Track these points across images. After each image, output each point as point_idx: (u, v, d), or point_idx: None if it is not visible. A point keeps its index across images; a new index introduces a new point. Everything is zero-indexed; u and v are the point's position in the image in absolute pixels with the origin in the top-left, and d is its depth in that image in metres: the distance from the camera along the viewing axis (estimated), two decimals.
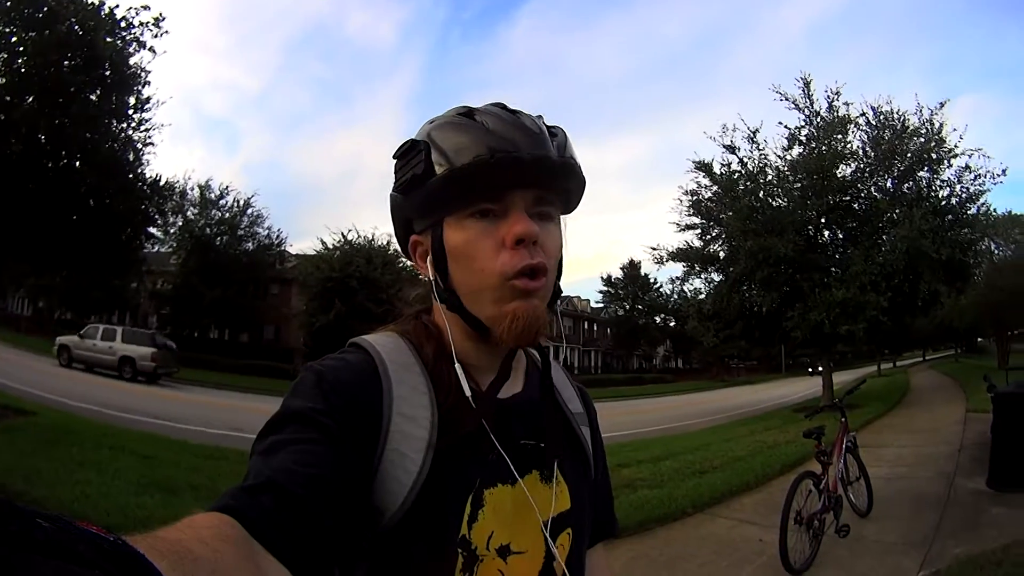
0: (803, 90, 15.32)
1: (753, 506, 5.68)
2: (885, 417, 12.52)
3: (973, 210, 14.48)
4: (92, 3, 8.27)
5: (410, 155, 0.71)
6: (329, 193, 78.89)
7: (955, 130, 14.43)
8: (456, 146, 0.67)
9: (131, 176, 9.26)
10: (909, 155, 14.37)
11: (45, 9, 7.60)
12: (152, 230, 11.43)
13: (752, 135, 15.69)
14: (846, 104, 15.06)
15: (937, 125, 14.25)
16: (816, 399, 15.78)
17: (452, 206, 0.69)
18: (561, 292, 0.77)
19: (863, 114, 15.03)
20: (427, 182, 0.69)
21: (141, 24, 8.80)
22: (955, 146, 14.14)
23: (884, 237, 14.65)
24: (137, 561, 0.28)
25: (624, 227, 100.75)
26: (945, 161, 14.33)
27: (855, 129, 15.10)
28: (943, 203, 14.39)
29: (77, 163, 8.35)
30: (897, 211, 14.31)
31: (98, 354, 16.61)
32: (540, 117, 0.73)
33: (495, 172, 0.66)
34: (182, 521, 0.45)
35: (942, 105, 14.31)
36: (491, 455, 0.69)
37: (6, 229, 7.84)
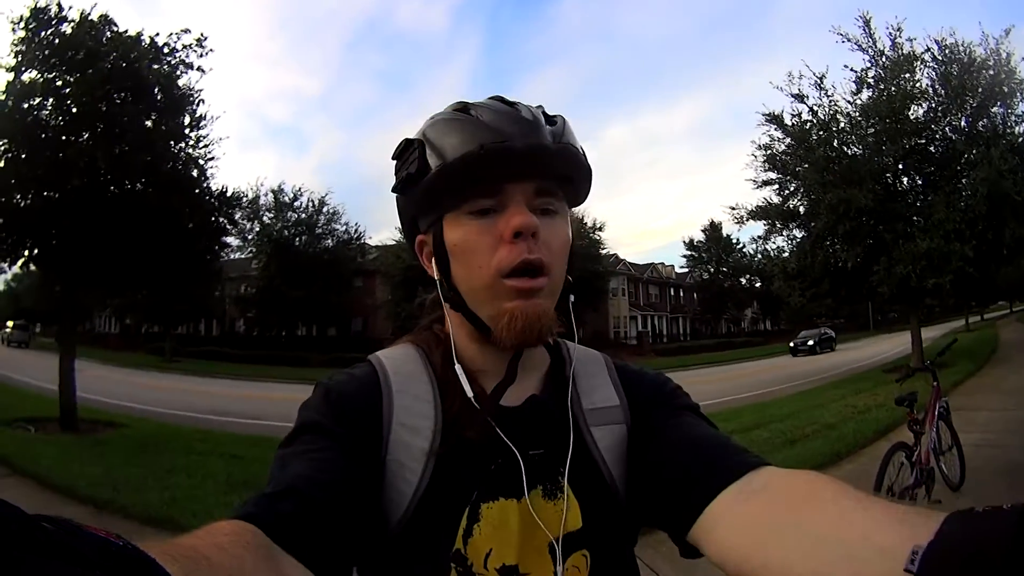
0: (864, 29, 14.43)
1: (844, 478, 5.23)
2: (975, 377, 11.87)
3: None
4: (131, 35, 8.64)
5: (405, 154, 0.71)
6: None
7: None
8: (449, 142, 0.66)
9: (197, 191, 9.63)
10: (980, 90, 13.24)
11: (84, 51, 8.01)
12: (226, 239, 11.79)
13: (819, 81, 14.98)
14: (909, 40, 14.09)
15: (1004, 55, 13.11)
16: (907, 358, 15.10)
17: (448, 203, 0.68)
18: (573, 289, 0.74)
19: (928, 50, 13.99)
20: (422, 180, 0.68)
21: (184, 47, 9.12)
22: None
23: (964, 181, 13.63)
24: (146, 564, 0.28)
25: (701, 188, 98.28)
26: (1018, 94, 13.23)
27: (922, 66, 14.09)
28: (1021, 140, 13.31)
29: (139, 186, 8.78)
30: (974, 151, 13.22)
31: None
32: (539, 107, 0.71)
33: (486, 164, 0.64)
34: (202, 528, 0.45)
35: (1007, 32, 13.13)
36: (493, 465, 0.66)
37: (78, 257, 8.36)
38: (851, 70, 14.72)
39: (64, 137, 7.95)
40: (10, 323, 35.27)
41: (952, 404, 5.31)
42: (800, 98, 15.18)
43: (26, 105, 7.85)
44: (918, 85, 13.99)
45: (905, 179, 15.17)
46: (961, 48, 13.61)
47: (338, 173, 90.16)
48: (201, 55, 9.26)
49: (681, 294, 50.63)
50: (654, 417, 0.71)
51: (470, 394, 0.67)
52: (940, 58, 13.88)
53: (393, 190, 0.74)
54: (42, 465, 5.90)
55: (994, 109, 13.56)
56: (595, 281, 31.95)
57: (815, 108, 15.16)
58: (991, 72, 13.14)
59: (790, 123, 15.38)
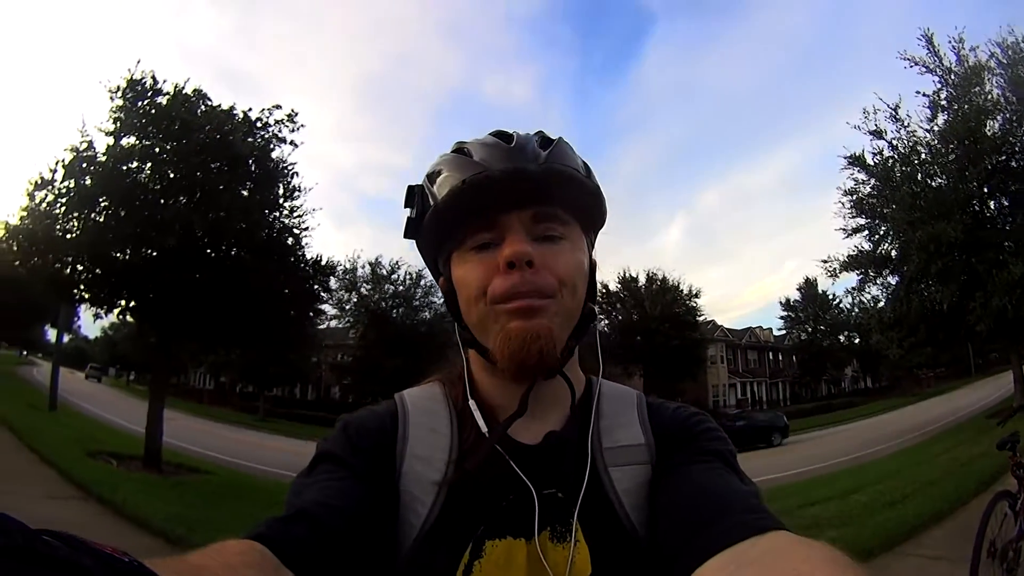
0: (928, 48, 14.08)
1: (945, 538, 5.02)
2: None
3: None
4: (224, 110, 9.49)
5: (409, 200, 0.71)
6: None
7: None
8: (440, 182, 0.67)
9: (292, 259, 10.28)
10: None
11: (179, 122, 8.82)
12: (320, 305, 12.40)
13: (894, 112, 14.70)
14: (972, 50, 13.64)
15: None
16: (1010, 399, 14.06)
17: (448, 242, 0.69)
18: (595, 317, 0.71)
19: (992, 55, 13.43)
20: (423, 223, 0.69)
21: (277, 122, 9.93)
22: None
23: None
24: None
25: (796, 244, 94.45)
26: None
27: (989, 75, 13.50)
28: None
29: (234, 251, 9.44)
30: None
31: None
32: (537, 133, 0.70)
33: (472, 197, 0.64)
34: (211, 546, 0.45)
35: None
36: (504, 502, 0.63)
37: (172, 311, 9.03)
38: (923, 95, 14.30)
39: (162, 200, 8.69)
40: (90, 365, 48.95)
41: None
42: (879, 134, 14.87)
43: (125, 168, 8.65)
44: (990, 97, 13.41)
45: (992, 202, 14.45)
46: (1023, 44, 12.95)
47: None
48: (292, 130, 10.07)
49: (780, 357, 48.76)
50: (675, 457, 0.66)
51: (483, 428, 0.66)
52: (1005, 61, 13.27)
53: (404, 236, 0.74)
54: (119, 496, 6.26)
55: None
56: (693, 350, 31.27)
57: (894, 142, 14.79)
58: None
59: (872, 162, 15.03)
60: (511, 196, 0.64)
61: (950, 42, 13.85)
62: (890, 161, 14.82)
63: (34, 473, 7.52)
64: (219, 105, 9.53)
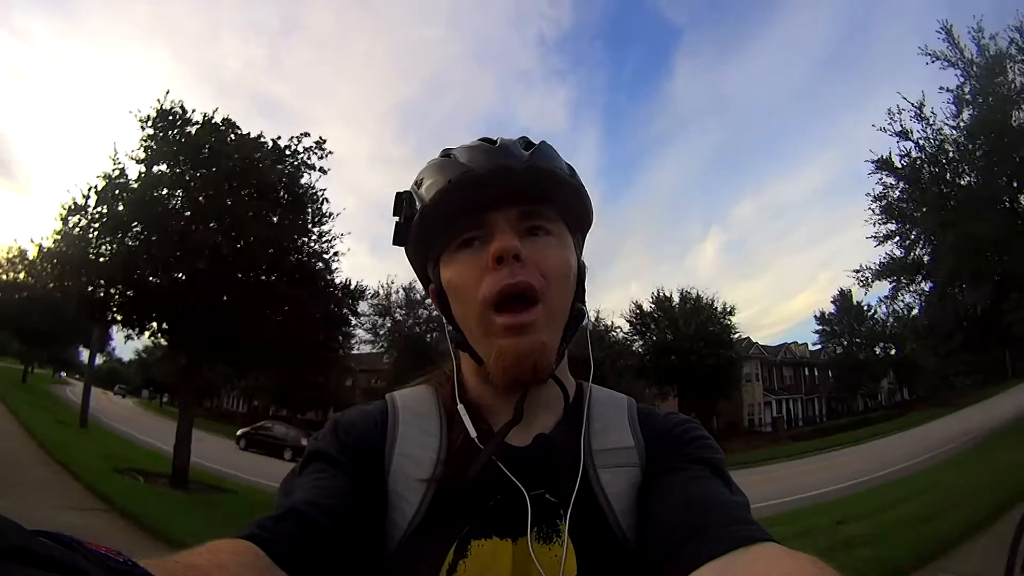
0: (948, 41, 13.82)
1: (982, 553, 4.90)
2: None
3: None
4: (253, 138, 9.73)
5: (397, 207, 0.72)
6: None
7: None
8: (427, 186, 0.68)
9: (322, 283, 10.44)
10: None
11: (207, 149, 9.08)
12: (349, 329, 12.72)
13: (919, 111, 14.39)
14: (992, 38, 13.35)
15: None
16: None
17: (436, 244, 0.70)
18: (583, 318, 0.72)
19: (1012, 41, 13.11)
20: (411, 227, 0.70)
21: (306, 149, 10.13)
22: None
23: None
24: None
25: (831, 255, 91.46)
26: None
27: (1011, 64, 13.20)
28: None
29: (264, 276, 9.62)
30: None
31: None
32: (521, 138, 0.71)
33: (458, 195, 0.66)
34: (205, 545, 0.46)
35: None
36: (491, 502, 0.64)
37: (202, 334, 9.24)
38: (947, 91, 14.04)
39: (192, 226, 8.91)
40: (118, 385, 57.47)
41: None
42: (905, 135, 14.60)
43: (156, 194, 8.91)
44: (1013, 86, 13.10)
45: (1022, 197, 14.06)
46: None
47: None
48: (321, 156, 10.28)
49: (816, 373, 47.75)
50: (664, 463, 0.66)
51: (472, 431, 0.66)
52: None
53: (394, 243, 0.75)
54: (143, 510, 6.43)
55: None
56: (728, 369, 30.82)
57: (920, 142, 14.51)
58: None
59: (899, 164, 14.77)
60: (497, 194, 0.66)
61: (970, 33, 13.62)
62: (918, 162, 14.58)
63: (60, 485, 7.75)
64: (248, 133, 9.78)
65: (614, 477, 0.66)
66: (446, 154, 0.71)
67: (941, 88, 14.25)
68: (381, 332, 31.82)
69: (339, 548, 0.56)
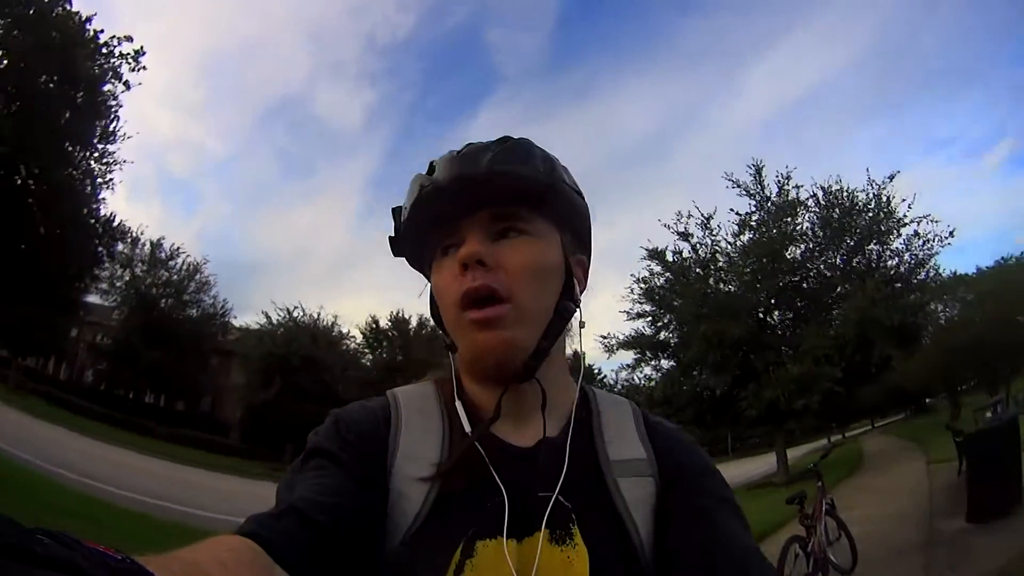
0: (754, 176, 16.13)
1: None
2: (845, 481, 12.43)
3: (922, 275, 15.26)
4: (79, 17, 8.18)
5: (395, 221, 0.75)
6: (280, 269, 76.17)
7: (904, 200, 15.13)
8: (407, 199, 0.71)
9: (85, 210, 8.91)
10: (858, 231, 15.14)
11: (33, 10, 7.42)
12: (98, 271, 10.83)
13: (706, 221, 16.29)
14: (796, 187, 15.86)
15: (885, 199, 15.05)
16: (771, 476, 15.75)
17: (425, 253, 0.73)
18: (569, 313, 0.73)
19: (813, 195, 15.80)
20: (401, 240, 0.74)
21: (121, 55, 8.75)
22: (904, 216, 14.95)
23: (835, 311, 15.20)
24: None
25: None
26: (894, 232, 15.15)
27: (804, 211, 15.87)
28: (893, 272, 15.09)
29: (32, 183, 7.93)
30: (847, 285, 14.88)
31: None
32: (499, 139, 0.70)
33: (426, 208, 0.69)
34: (204, 542, 0.45)
35: (891, 178, 15.17)
36: (489, 503, 0.63)
37: None
38: (736, 213, 16.18)
39: None
40: None
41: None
42: (685, 236, 16.36)
43: None
44: (798, 228, 15.70)
45: (776, 312, 16.59)
46: (845, 194, 15.55)
47: (217, 243, 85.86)
48: (134, 69, 8.85)
49: None
50: (684, 491, 0.67)
51: (467, 428, 0.67)
52: (824, 203, 15.69)
53: (394, 256, 0.77)
54: None
55: (870, 247, 15.41)
56: None
57: (697, 247, 16.39)
58: (870, 214, 15.01)
59: (671, 259, 16.45)
60: (463, 201, 0.67)
61: (777, 176, 15.94)
62: (688, 262, 16.30)
63: None
64: (79, 13, 8.15)
65: (631, 485, 0.67)
66: (431, 167, 0.71)
67: (731, 210, 16.39)
68: (117, 284, 28.63)
69: (339, 547, 0.56)
